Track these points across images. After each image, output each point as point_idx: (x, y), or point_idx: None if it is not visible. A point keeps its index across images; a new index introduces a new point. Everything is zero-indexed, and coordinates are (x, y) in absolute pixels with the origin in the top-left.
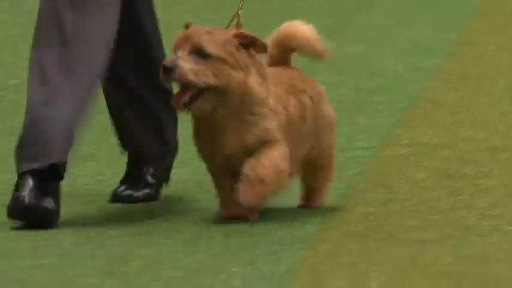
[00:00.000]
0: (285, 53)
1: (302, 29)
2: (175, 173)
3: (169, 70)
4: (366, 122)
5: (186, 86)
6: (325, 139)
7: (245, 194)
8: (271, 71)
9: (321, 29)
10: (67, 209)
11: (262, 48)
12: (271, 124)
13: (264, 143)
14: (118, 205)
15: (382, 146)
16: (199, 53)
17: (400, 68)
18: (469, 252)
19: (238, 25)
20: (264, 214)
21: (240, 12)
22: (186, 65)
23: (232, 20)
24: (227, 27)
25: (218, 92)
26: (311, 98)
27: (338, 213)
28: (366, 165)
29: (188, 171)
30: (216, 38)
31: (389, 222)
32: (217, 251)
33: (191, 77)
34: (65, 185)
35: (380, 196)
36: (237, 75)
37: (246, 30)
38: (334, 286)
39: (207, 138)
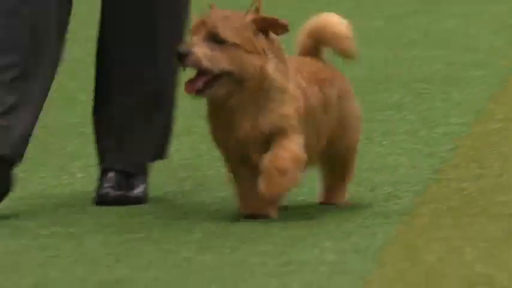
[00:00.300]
0: (316, 45)
1: (335, 23)
2: None
3: (183, 56)
4: (460, 97)
5: (201, 72)
6: (348, 137)
7: (265, 186)
8: (296, 59)
9: (415, 2)
10: (163, 184)
11: (283, 28)
12: (289, 110)
13: (280, 130)
14: (215, 180)
15: (476, 121)
16: (215, 39)
17: (494, 43)
18: None
19: (258, 9)
20: (358, 189)
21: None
22: (201, 50)
23: (253, 3)
24: (247, 12)
25: (234, 78)
26: (337, 91)
27: (432, 189)
28: (459, 140)
29: None
30: (232, 23)
31: (482, 197)
32: (312, 226)
33: (206, 63)
34: (162, 161)
35: (473, 171)
36: (254, 61)
37: (265, 14)
38: (428, 261)
39: (221, 125)
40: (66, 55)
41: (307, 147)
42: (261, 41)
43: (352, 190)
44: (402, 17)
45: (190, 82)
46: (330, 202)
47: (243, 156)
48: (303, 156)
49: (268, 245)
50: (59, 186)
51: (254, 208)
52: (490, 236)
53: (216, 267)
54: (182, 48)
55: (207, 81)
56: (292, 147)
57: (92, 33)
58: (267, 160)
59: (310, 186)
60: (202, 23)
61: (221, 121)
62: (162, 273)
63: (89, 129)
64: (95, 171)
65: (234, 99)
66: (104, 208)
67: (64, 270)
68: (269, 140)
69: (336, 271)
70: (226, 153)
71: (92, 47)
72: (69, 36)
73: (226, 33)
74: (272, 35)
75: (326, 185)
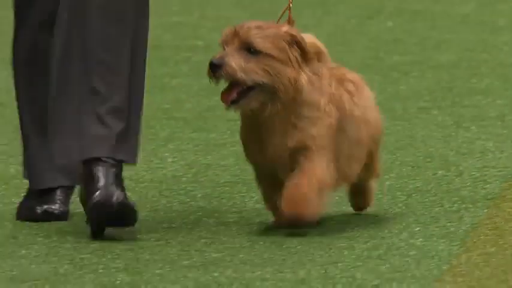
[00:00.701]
0: None
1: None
2: None
3: (217, 67)
4: None
5: (234, 83)
6: (373, 136)
7: (286, 211)
8: (328, 68)
9: None
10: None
11: (306, 56)
12: (318, 130)
13: (307, 150)
14: None
15: None
16: (248, 49)
17: None
18: None
19: (290, 21)
20: (445, 174)
21: (291, 5)
22: (234, 61)
23: (283, 13)
24: (278, 21)
25: (268, 90)
26: (359, 97)
27: None
28: None
29: None
30: (266, 33)
31: None
32: (400, 211)
33: (240, 74)
34: None
35: None
36: (288, 72)
37: (299, 33)
38: None
39: (252, 138)
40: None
41: (341, 161)
42: (295, 52)
43: (439, 174)
44: (492, 2)
45: (226, 93)
46: (363, 208)
47: (272, 172)
48: (328, 179)
49: (357, 229)
50: (150, 171)
51: (285, 220)
52: None
53: (305, 251)
54: (215, 59)
55: (240, 92)
56: (317, 172)
57: (183, 19)
58: (289, 185)
59: (398, 171)
60: (235, 34)
61: (252, 136)
62: (253, 256)
63: (180, 114)
64: (186, 156)
65: (266, 112)
66: (194, 193)
67: (155, 254)
68: (296, 158)
69: (424, 255)
70: (257, 168)
71: (180, 32)
72: (158, 21)
73: (260, 43)
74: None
75: (354, 190)
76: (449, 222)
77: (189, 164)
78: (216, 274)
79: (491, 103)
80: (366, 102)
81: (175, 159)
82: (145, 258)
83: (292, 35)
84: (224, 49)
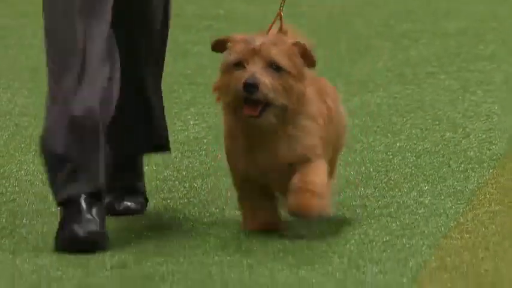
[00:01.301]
0: None
1: None
2: None
3: (254, 87)
4: None
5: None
6: (341, 139)
7: (296, 206)
8: (311, 78)
9: None
10: None
11: (311, 63)
12: (316, 140)
13: (307, 161)
14: None
15: None
16: (273, 67)
17: None
18: None
19: (282, 28)
20: (453, 135)
21: (282, 12)
22: (267, 82)
23: (274, 21)
24: (269, 29)
25: (282, 106)
26: (332, 100)
27: None
28: None
29: None
30: (283, 50)
31: None
32: (409, 171)
33: (272, 95)
34: None
35: None
36: (299, 87)
37: (301, 39)
38: None
39: (243, 148)
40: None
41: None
42: (302, 66)
43: (447, 136)
44: None
45: (250, 107)
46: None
47: (261, 183)
48: (328, 182)
49: (369, 188)
50: (173, 133)
51: (260, 226)
52: None
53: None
54: (252, 79)
55: (262, 108)
56: (321, 174)
57: None
58: (298, 181)
59: (408, 133)
60: (257, 51)
61: (242, 146)
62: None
63: (201, 79)
64: (207, 118)
65: (271, 125)
66: (215, 154)
67: (177, 211)
68: (292, 168)
69: (432, 213)
70: (242, 178)
71: (202, 2)
72: None
73: (282, 61)
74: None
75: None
76: (457, 181)
77: (210, 127)
78: (235, 231)
79: (496, 68)
80: (339, 117)
81: (197, 121)
82: (168, 215)
83: (301, 47)
84: (244, 66)
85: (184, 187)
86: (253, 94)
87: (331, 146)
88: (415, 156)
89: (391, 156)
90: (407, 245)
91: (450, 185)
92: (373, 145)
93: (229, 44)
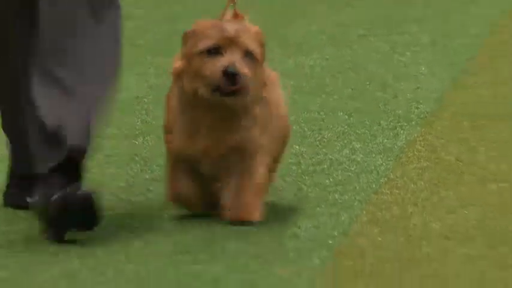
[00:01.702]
0: None
1: None
2: None
3: (235, 77)
4: (477, 11)
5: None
6: (287, 131)
7: (230, 216)
8: None
9: None
10: None
11: (264, 53)
12: (262, 130)
13: (249, 150)
14: None
15: (491, 33)
16: (249, 56)
17: None
18: None
19: (236, 15)
20: (383, 95)
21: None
22: (246, 72)
23: (227, 7)
24: (222, 16)
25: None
26: (277, 89)
27: (451, 95)
28: (475, 50)
29: None
30: (253, 38)
31: (497, 102)
32: (342, 130)
33: (249, 85)
34: None
35: (488, 79)
36: (264, 77)
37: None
38: (446, 160)
39: (189, 128)
40: None
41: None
42: (263, 54)
43: (377, 96)
44: None
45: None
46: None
47: (195, 165)
48: (267, 180)
49: (303, 146)
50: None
51: (183, 201)
52: (503, 137)
53: None
54: (232, 68)
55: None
56: (258, 176)
57: None
58: (232, 192)
59: (340, 93)
60: (233, 39)
61: (189, 126)
62: None
63: (142, 41)
64: (148, 79)
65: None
66: (155, 113)
67: (120, 167)
68: (235, 157)
69: (363, 170)
70: (177, 158)
71: None
72: None
73: (255, 50)
74: None
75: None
76: (386, 139)
77: (151, 87)
78: (152, 188)
79: (423, 31)
80: (279, 105)
81: (139, 82)
82: (110, 172)
83: (262, 36)
84: (219, 54)
85: (126, 144)
86: (233, 83)
87: (276, 138)
88: (347, 115)
89: (324, 116)
90: (339, 200)
91: (380, 143)
92: (307, 105)
93: (196, 30)
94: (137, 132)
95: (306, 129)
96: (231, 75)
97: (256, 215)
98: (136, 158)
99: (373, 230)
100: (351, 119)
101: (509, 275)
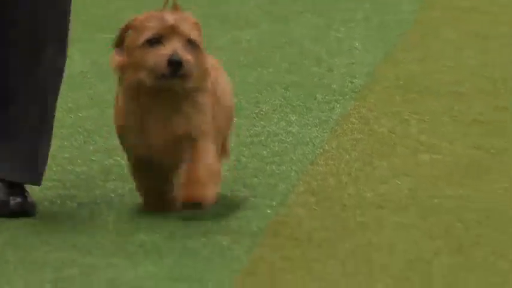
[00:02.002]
0: None
1: None
2: None
3: (179, 65)
4: None
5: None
6: (231, 116)
7: (185, 198)
8: None
9: None
10: None
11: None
12: (207, 118)
13: (197, 138)
14: None
15: (421, 10)
16: (190, 44)
17: None
18: (497, 103)
19: (176, 7)
20: (318, 69)
21: None
22: (190, 59)
23: (167, 0)
24: (163, 7)
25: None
26: (220, 76)
27: (382, 69)
28: (406, 27)
29: None
30: (193, 26)
31: (426, 77)
32: (279, 103)
33: (193, 71)
34: None
35: (419, 54)
36: (206, 64)
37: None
38: (379, 132)
39: (136, 127)
40: None
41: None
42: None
43: (313, 70)
44: None
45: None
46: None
47: (155, 164)
48: (218, 165)
49: (241, 118)
50: None
51: (156, 207)
52: (433, 110)
53: None
54: (176, 56)
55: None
56: (210, 160)
57: None
58: (186, 173)
59: (277, 67)
60: (174, 28)
61: (136, 125)
62: None
63: (85, 17)
64: (91, 54)
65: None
66: (99, 87)
67: (65, 139)
68: (183, 147)
69: (299, 141)
70: (132, 152)
71: None
72: None
73: (197, 38)
74: None
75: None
76: (322, 112)
77: (94, 62)
78: (117, 158)
79: (357, 7)
80: (225, 88)
81: (82, 57)
82: (55, 143)
83: (200, 26)
84: (161, 43)
85: (71, 117)
86: (178, 71)
87: (222, 124)
88: (283, 88)
89: (261, 89)
90: (277, 171)
91: (316, 116)
92: (244, 78)
93: (135, 24)
94: (81, 106)
95: (243, 102)
96: (175, 63)
97: (208, 196)
98: (80, 130)
99: (310, 199)
100: (287, 92)
101: (440, 244)
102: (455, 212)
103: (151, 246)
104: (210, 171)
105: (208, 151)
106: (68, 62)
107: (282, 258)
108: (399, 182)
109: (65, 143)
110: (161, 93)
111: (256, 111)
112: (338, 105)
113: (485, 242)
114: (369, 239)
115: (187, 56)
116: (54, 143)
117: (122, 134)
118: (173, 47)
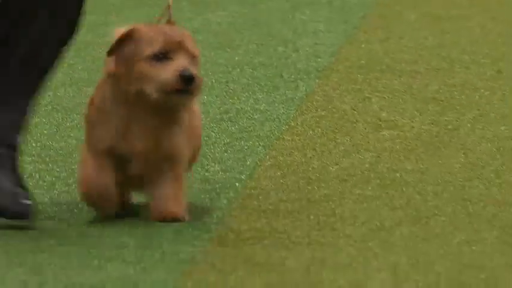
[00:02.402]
0: None
1: None
2: None
3: (191, 80)
4: None
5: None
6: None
7: (162, 218)
8: None
9: None
10: None
11: None
12: (184, 139)
13: (176, 158)
14: None
15: None
16: (194, 60)
17: None
18: (453, 81)
19: (170, 21)
20: (284, 49)
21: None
22: (198, 74)
23: (163, 14)
24: (158, 20)
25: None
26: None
27: (344, 49)
28: (368, 9)
29: None
30: (195, 43)
31: (387, 56)
32: (247, 82)
33: (201, 87)
34: None
35: (380, 36)
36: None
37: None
38: (342, 109)
39: (122, 124)
40: None
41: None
42: None
43: (279, 51)
44: None
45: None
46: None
47: (120, 164)
48: (185, 197)
49: (211, 96)
50: None
51: (96, 195)
52: (393, 88)
53: None
54: (188, 71)
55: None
56: (181, 190)
57: None
58: (159, 195)
59: (245, 48)
60: (180, 43)
61: (122, 123)
62: None
63: None
64: None
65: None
66: (75, 65)
67: (43, 117)
68: (161, 163)
69: (267, 118)
70: (101, 148)
71: None
72: None
73: (199, 55)
74: None
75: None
76: (288, 90)
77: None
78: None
79: None
80: (197, 115)
81: None
82: (35, 120)
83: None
84: (168, 58)
85: (49, 95)
86: (189, 86)
87: (194, 148)
88: (251, 68)
89: (230, 69)
90: (245, 146)
91: (282, 94)
92: (215, 59)
93: (136, 35)
94: (59, 84)
95: (213, 81)
96: (187, 78)
97: (181, 213)
98: (58, 108)
99: (276, 173)
100: (255, 72)
101: (400, 215)
102: (414, 185)
103: (121, 222)
104: (183, 193)
105: (182, 179)
106: None
107: (250, 229)
108: (361, 157)
109: (44, 120)
110: (157, 105)
111: (226, 89)
112: (303, 84)
113: (442, 213)
114: (333, 210)
115: (196, 72)
116: (33, 120)
117: (94, 127)
118: (183, 63)
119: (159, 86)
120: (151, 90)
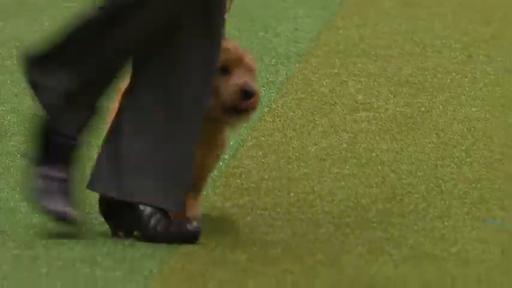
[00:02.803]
0: None
1: None
2: None
3: (252, 95)
4: None
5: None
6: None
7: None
8: None
9: None
10: None
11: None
12: (214, 160)
13: (208, 172)
14: None
15: None
16: (251, 75)
17: None
18: (426, 65)
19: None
20: (264, 34)
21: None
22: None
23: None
24: None
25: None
26: None
27: (323, 35)
28: None
29: None
30: (253, 59)
31: (363, 42)
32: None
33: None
34: None
35: (356, 21)
36: None
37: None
38: (321, 92)
39: None
40: None
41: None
42: None
43: (260, 36)
44: None
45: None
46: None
47: None
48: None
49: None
50: (30, 33)
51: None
52: (369, 72)
53: None
54: (249, 87)
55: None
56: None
57: None
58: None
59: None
60: (240, 58)
61: None
62: None
63: None
64: (60, 22)
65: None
66: None
67: None
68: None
69: None
70: None
71: None
72: None
73: (256, 72)
74: None
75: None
76: (269, 74)
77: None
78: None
79: None
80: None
81: (53, 24)
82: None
83: None
84: (229, 72)
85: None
86: (249, 99)
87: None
88: None
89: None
90: None
91: (264, 77)
92: None
93: None
94: None
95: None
96: (248, 94)
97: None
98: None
99: (258, 152)
100: None
101: (376, 192)
102: (389, 164)
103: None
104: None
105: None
106: (36, 28)
107: (233, 206)
108: (339, 137)
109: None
110: (215, 120)
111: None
112: (283, 68)
113: (416, 190)
114: (312, 188)
115: (256, 87)
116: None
117: None
118: (244, 78)
119: (220, 101)
120: (210, 106)
